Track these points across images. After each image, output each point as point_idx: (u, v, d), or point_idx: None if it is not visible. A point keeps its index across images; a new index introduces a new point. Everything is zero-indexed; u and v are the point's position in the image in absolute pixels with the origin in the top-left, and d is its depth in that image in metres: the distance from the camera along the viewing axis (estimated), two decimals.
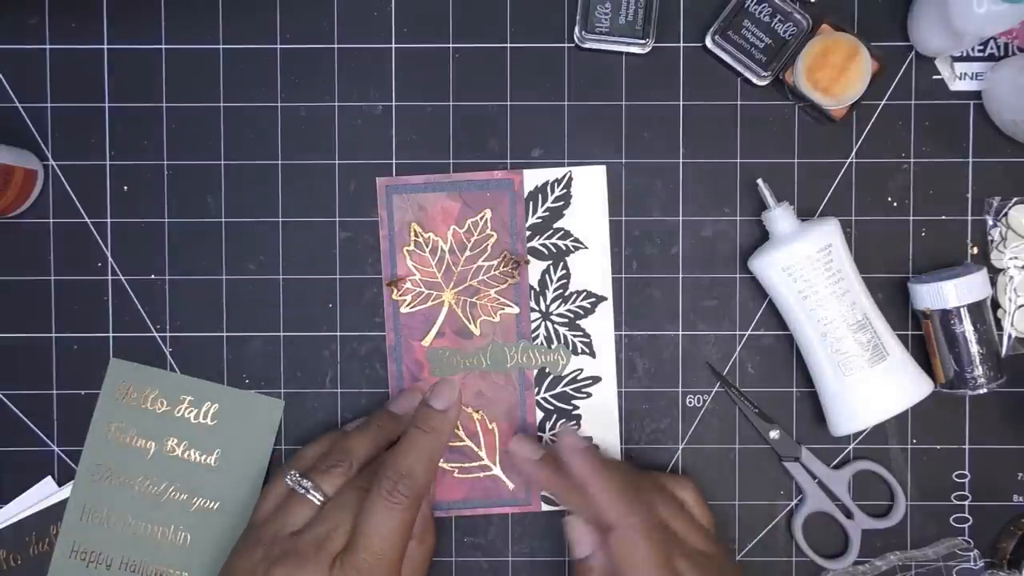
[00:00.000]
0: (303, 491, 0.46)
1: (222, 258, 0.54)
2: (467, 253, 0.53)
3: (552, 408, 0.54)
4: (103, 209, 0.54)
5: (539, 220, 0.53)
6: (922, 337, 0.53)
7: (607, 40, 0.52)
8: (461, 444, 0.54)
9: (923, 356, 0.53)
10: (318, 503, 0.46)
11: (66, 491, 0.53)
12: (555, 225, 0.53)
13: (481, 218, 0.53)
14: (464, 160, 0.54)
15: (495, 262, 0.53)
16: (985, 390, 0.51)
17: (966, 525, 0.54)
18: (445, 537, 0.54)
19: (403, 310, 0.53)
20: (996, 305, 0.53)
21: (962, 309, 0.50)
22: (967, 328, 0.50)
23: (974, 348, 0.50)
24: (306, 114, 0.54)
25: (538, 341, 0.54)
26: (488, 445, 0.54)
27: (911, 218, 0.54)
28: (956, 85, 0.53)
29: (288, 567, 0.43)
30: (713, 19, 0.52)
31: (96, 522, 0.53)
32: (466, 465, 0.54)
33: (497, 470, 0.54)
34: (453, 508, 0.54)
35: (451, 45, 0.54)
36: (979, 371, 0.51)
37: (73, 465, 0.54)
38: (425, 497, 0.48)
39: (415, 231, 0.53)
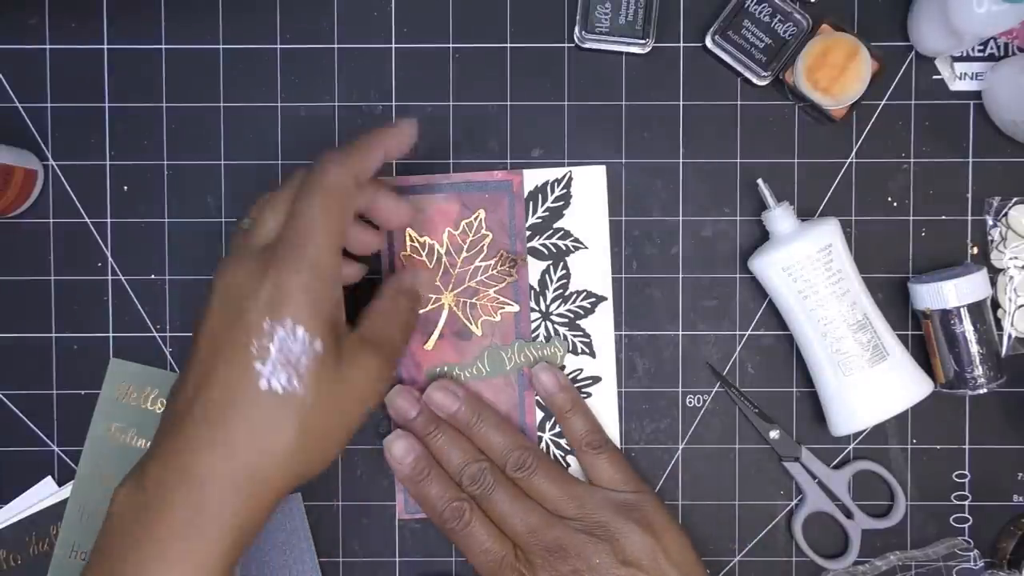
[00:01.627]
0: (245, 227, 0.45)
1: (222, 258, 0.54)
2: (464, 255, 0.53)
3: None
4: (103, 209, 0.54)
5: (539, 220, 0.53)
6: (922, 337, 0.53)
7: (607, 40, 0.52)
8: None
9: (923, 356, 0.53)
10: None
11: (66, 491, 0.53)
12: (555, 225, 0.53)
13: (476, 218, 0.53)
14: (464, 160, 0.54)
15: (492, 261, 0.53)
16: (985, 390, 0.51)
17: (966, 525, 0.54)
18: (444, 538, 0.54)
19: None
20: (996, 305, 0.53)
21: (962, 309, 0.50)
22: (967, 328, 0.50)
23: (974, 348, 0.50)
24: (306, 114, 0.54)
25: (537, 341, 0.53)
26: None
27: (911, 218, 0.54)
28: (956, 85, 0.53)
29: (225, 264, 0.43)
30: (713, 19, 0.52)
31: (96, 522, 0.53)
32: None
33: None
34: None
35: (451, 45, 0.54)
36: (979, 371, 0.51)
37: (73, 465, 0.54)
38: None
39: (411, 236, 0.53)
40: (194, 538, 0.39)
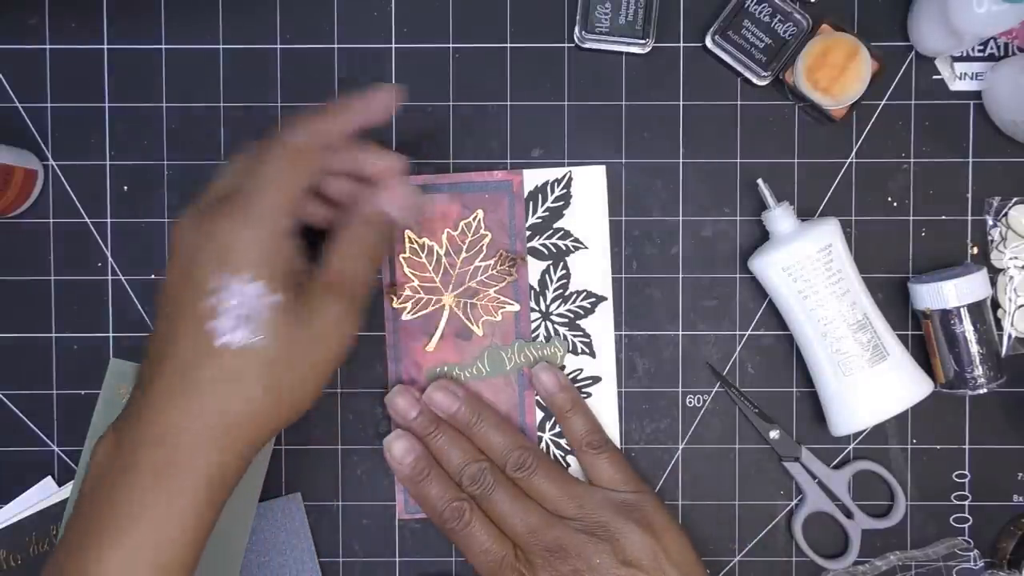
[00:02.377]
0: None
1: None
2: (463, 255, 0.53)
3: None
4: (103, 209, 0.54)
5: (539, 220, 0.53)
6: (922, 337, 0.53)
7: (607, 40, 0.52)
8: None
9: (923, 356, 0.53)
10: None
11: (66, 491, 0.53)
12: (555, 225, 0.53)
13: (474, 218, 0.53)
14: (464, 160, 0.54)
15: (492, 261, 0.53)
16: (985, 390, 0.51)
17: (966, 525, 0.54)
18: (444, 538, 0.54)
19: (404, 317, 0.53)
20: (996, 305, 0.53)
21: (962, 309, 0.50)
22: (967, 328, 0.50)
23: (974, 348, 0.50)
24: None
25: (537, 341, 0.53)
26: None
27: (911, 218, 0.54)
28: (956, 85, 0.53)
29: (181, 220, 0.43)
30: (713, 19, 0.52)
31: None
32: None
33: None
34: None
35: (451, 45, 0.54)
36: (979, 371, 0.51)
37: (73, 465, 0.54)
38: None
39: (409, 237, 0.53)
40: (172, 491, 0.40)
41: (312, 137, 0.44)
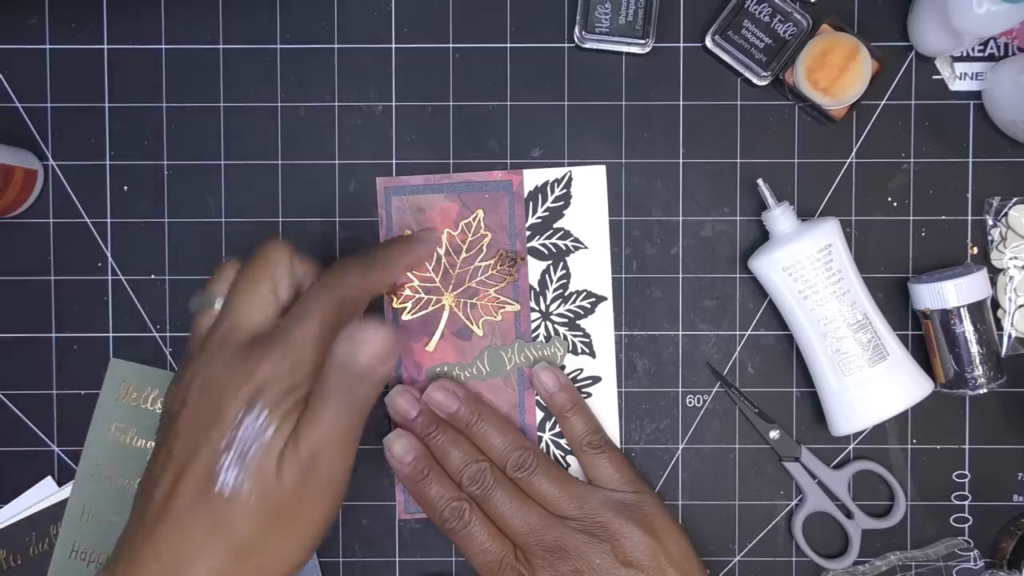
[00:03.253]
0: (207, 304, 0.44)
1: (222, 258, 0.54)
2: (463, 255, 0.53)
3: None
4: (103, 209, 0.54)
5: (539, 220, 0.53)
6: (922, 337, 0.53)
7: (607, 40, 0.52)
8: None
9: (923, 356, 0.53)
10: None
11: (66, 491, 0.53)
12: (555, 225, 0.53)
13: (474, 218, 0.53)
14: (464, 160, 0.54)
15: (492, 261, 0.53)
16: (985, 390, 0.51)
17: (966, 525, 0.54)
18: (444, 538, 0.54)
19: (404, 317, 0.53)
20: (996, 305, 0.53)
21: (962, 309, 0.50)
22: (967, 328, 0.50)
23: (974, 348, 0.50)
24: (306, 114, 0.54)
25: (537, 341, 0.53)
26: None
27: (911, 218, 0.54)
28: (956, 85, 0.53)
29: (204, 354, 0.41)
30: (713, 19, 0.52)
31: (96, 522, 0.53)
32: None
33: None
34: None
35: (451, 45, 0.54)
36: (979, 371, 0.51)
37: (73, 465, 0.54)
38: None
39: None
40: None
41: (360, 290, 0.44)
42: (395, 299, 0.53)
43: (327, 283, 0.43)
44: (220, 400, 0.40)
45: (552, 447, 0.54)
